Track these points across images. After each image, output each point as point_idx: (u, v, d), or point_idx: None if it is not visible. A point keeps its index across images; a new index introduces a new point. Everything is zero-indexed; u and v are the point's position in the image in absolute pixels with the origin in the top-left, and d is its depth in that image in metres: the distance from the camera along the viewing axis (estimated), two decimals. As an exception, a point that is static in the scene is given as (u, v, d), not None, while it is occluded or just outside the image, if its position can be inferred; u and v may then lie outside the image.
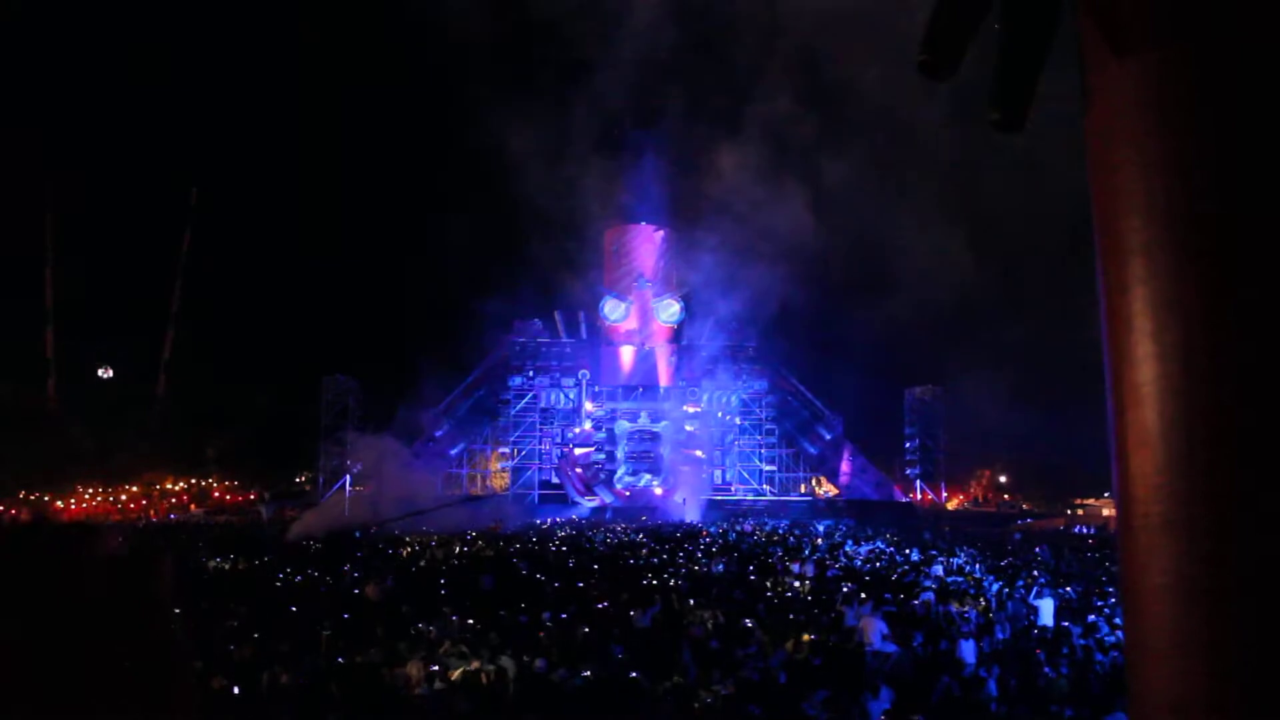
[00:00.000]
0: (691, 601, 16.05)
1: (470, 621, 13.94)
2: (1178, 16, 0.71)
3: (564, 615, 14.42)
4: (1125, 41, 0.74)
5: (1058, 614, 14.93)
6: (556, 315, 64.12)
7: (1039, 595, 15.78)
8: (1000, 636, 13.34)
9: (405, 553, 27.81)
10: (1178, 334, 0.66)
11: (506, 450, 62.89)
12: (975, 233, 48.93)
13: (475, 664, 10.76)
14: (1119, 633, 13.05)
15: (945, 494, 61.60)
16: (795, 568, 22.01)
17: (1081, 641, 12.51)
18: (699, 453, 60.09)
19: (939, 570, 21.78)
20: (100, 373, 52.96)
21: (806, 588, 18.96)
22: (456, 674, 10.38)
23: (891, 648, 11.98)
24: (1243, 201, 0.66)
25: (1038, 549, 28.29)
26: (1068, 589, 18.13)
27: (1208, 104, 0.69)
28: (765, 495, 60.21)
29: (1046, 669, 10.99)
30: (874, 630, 12.54)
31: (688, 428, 60.28)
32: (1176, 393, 0.66)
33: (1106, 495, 50.68)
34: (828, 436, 62.91)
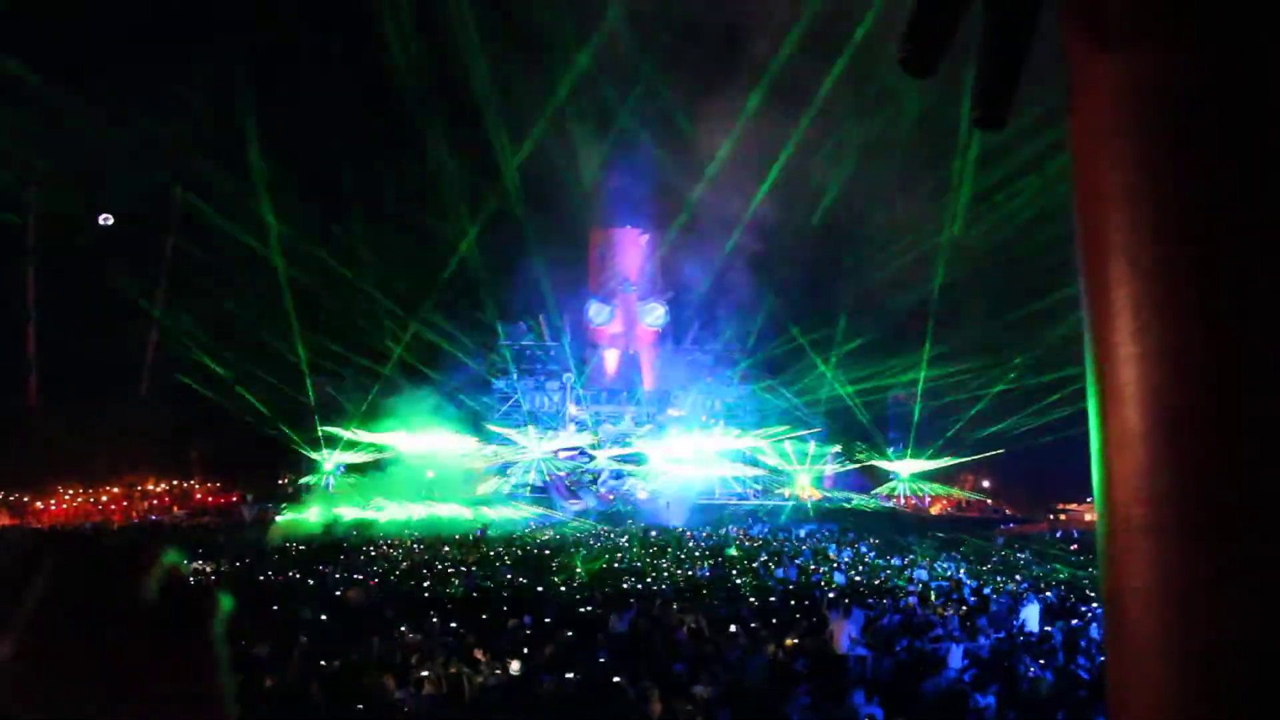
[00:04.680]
0: (675, 605, 16.06)
1: (453, 625, 13.91)
2: (1164, 15, 0.70)
3: (546, 619, 14.41)
4: (1110, 39, 0.73)
5: (1041, 618, 14.99)
6: (541, 318, 64.09)
7: (1025, 602, 15.84)
8: (983, 641, 13.38)
9: (388, 555, 27.73)
10: (1161, 334, 0.65)
11: (490, 453, 62.77)
12: (961, 233, 48.91)
13: (456, 668, 10.72)
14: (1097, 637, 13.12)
15: (928, 499, 61.77)
16: (779, 572, 22.07)
17: (1064, 646, 12.56)
18: (683, 457, 60.14)
19: (923, 574, 21.87)
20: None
21: (790, 592, 19.01)
22: (437, 678, 10.34)
23: (863, 650, 12.01)
24: (1227, 201, 0.65)
25: (1021, 556, 28.42)
26: (1049, 594, 18.23)
27: (1193, 103, 0.68)
28: (749, 500, 60.28)
29: (1031, 673, 11.02)
30: (846, 633, 12.57)
31: (672, 431, 60.34)
32: (1159, 394, 0.64)
33: (1089, 500, 50.92)
34: (811, 441, 63.11)
